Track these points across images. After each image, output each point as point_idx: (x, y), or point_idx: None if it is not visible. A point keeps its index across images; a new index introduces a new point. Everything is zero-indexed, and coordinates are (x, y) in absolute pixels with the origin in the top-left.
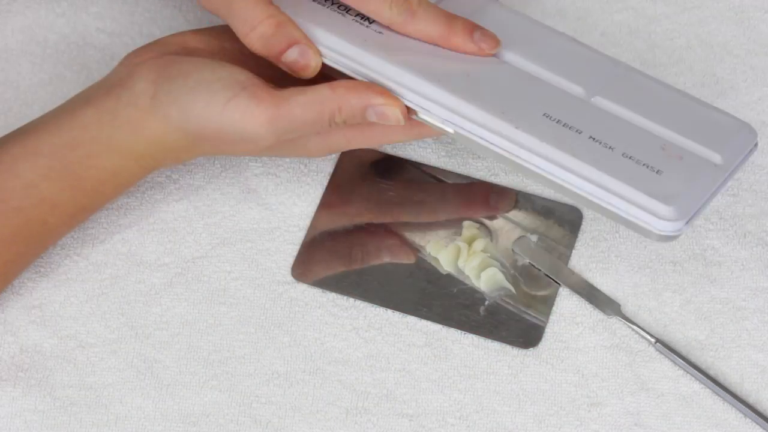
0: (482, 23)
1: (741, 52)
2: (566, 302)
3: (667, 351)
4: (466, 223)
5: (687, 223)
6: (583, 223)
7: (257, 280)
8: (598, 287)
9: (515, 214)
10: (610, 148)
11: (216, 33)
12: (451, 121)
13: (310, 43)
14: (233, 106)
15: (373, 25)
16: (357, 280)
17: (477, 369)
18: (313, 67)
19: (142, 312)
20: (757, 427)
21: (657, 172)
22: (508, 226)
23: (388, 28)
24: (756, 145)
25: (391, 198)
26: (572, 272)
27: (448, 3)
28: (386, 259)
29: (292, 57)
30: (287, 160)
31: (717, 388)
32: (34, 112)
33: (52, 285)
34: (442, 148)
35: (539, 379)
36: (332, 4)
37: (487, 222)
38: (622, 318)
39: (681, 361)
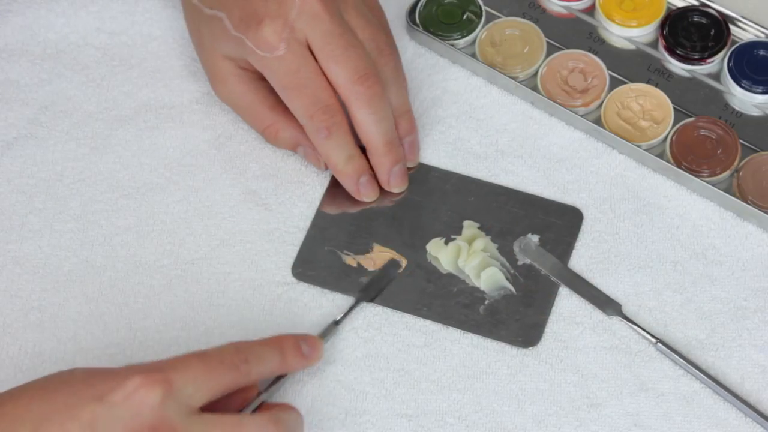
0: None
1: None
2: (566, 302)
3: (668, 351)
4: (466, 223)
5: None
6: (584, 223)
7: (257, 281)
8: (599, 287)
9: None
10: None
11: None
12: None
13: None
14: None
15: None
16: (357, 279)
17: (476, 369)
18: None
19: (142, 314)
20: (758, 426)
21: None
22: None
23: None
24: None
25: (390, 198)
26: (572, 272)
27: None
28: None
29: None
30: (288, 161)
31: (717, 388)
32: (34, 112)
33: (51, 287)
34: (442, 148)
35: (538, 379)
36: None
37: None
38: (623, 318)
39: (681, 360)
